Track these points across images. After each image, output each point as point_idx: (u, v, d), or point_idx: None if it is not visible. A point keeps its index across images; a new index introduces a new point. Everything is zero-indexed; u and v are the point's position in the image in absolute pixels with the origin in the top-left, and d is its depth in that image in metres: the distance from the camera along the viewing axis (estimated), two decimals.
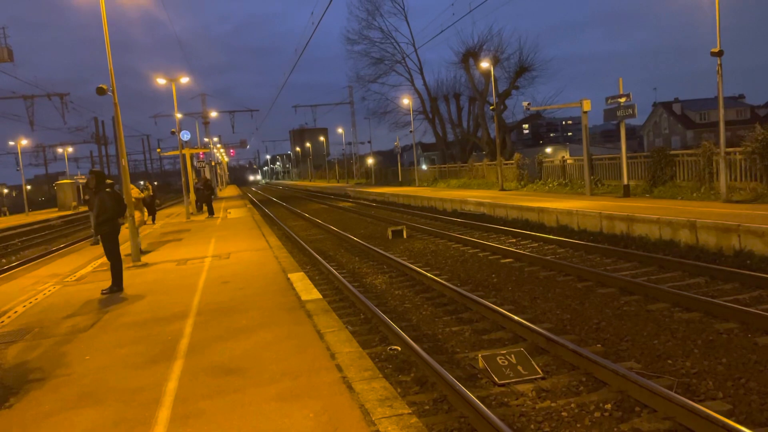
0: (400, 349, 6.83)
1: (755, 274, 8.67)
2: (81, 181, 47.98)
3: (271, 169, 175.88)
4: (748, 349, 6.09)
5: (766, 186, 14.88)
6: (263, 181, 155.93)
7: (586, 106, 19.85)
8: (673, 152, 19.19)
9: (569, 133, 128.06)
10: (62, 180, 51.79)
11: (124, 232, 11.29)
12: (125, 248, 11.97)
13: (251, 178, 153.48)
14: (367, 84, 49.69)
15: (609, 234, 13.83)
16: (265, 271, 10.40)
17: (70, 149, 72.92)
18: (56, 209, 47.35)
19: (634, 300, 8.27)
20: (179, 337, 6.51)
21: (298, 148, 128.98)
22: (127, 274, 10.23)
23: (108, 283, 9.64)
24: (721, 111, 14.87)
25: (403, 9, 46.74)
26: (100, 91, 12.38)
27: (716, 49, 14.55)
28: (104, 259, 10.15)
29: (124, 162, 13.48)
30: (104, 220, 9.62)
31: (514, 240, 14.88)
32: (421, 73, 47.17)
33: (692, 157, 17.85)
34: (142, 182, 22.95)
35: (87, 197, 10.04)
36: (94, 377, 5.42)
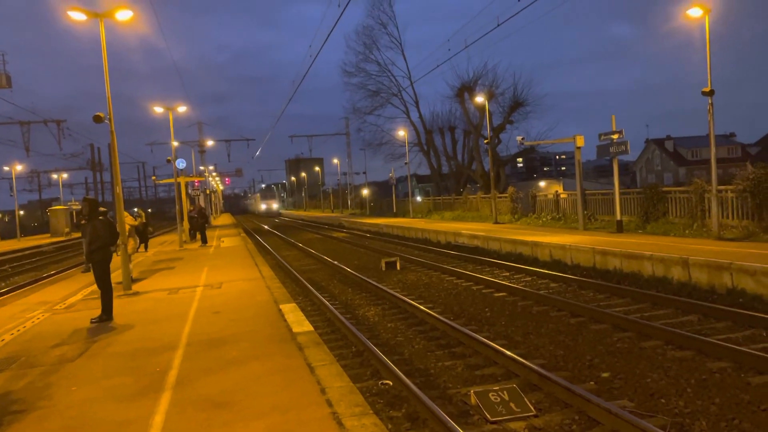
0: (391, 383, 6.76)
1: (748, 313, 8.69)
2: (75, 207, 47.84)
3: None
4: (741, 389, 6.06)
5: (758, 224, 14.98)
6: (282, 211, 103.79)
7: (580, 141, 20.06)
8: (665, 189, 19.36)
9: (563, 168, 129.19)
10: (56, 206, 51.62)
11: (116, 260, 11.22)
12: (116, 276, 11.88)
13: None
14: (363, 116, 50.42)
15: (602, 269, 13.84)
16: (257, 302, 10.32)
17: (64, 175, 72.78)
18: (48, 235, 47.07)
19: (627, 337, 8.24)
20: (168, 368, 6.43)
21: (293, 178, 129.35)
22: (117, 303, 10.13)
23: (98, 312, 9.53)
24: (713, 149, 15.07)
25: (400, 43, 47.59)
26: (97, 119, 12.43)
27: (707, 89, 14.81)
28: (95, 286, 10.06)
29: (118, 190, 13.48)
30: (96, 248, 9.57)
31: (508, 273, 14.87)
32: (417, 106, 47.88)
33: (684, 194, 18.00)
34: (135, 209, 22.86)
35: (83, 221, 9.99)
36: (80, 409, 5.33)
